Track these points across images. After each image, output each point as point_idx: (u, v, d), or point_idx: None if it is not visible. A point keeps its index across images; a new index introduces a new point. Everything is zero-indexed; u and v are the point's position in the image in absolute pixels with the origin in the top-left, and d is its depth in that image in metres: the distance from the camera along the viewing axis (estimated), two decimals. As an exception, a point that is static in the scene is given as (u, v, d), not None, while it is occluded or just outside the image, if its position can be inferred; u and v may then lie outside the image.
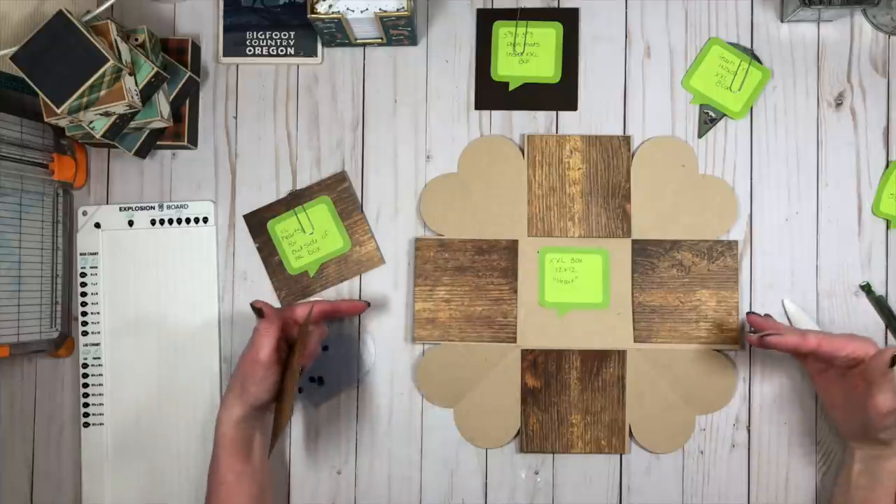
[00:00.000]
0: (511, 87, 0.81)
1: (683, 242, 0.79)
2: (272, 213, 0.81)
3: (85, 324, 0.81)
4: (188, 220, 0.82)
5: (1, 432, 0.82)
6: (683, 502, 0.79)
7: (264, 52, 0.82)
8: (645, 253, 0.79)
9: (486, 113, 0.82)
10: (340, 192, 0.81)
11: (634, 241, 0.79)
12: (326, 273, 0.81)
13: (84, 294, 0.81)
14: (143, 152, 0.78)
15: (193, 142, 0.82)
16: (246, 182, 0.82)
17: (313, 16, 0.73)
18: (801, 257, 0.80)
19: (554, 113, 0.81)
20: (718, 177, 0.80)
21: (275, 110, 0.82)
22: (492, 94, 0.81)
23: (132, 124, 0.74)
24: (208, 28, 0.83)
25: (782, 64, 0.81)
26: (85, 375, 0.81)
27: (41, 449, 0.82)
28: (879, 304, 0.79)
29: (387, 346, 0.81)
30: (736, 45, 0.81)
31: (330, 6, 0.73)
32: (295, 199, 0.81)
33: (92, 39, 0.67)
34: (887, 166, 0.80)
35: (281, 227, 0.81)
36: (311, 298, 0.81)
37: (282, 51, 0.82)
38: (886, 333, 0.79)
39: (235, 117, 0.83)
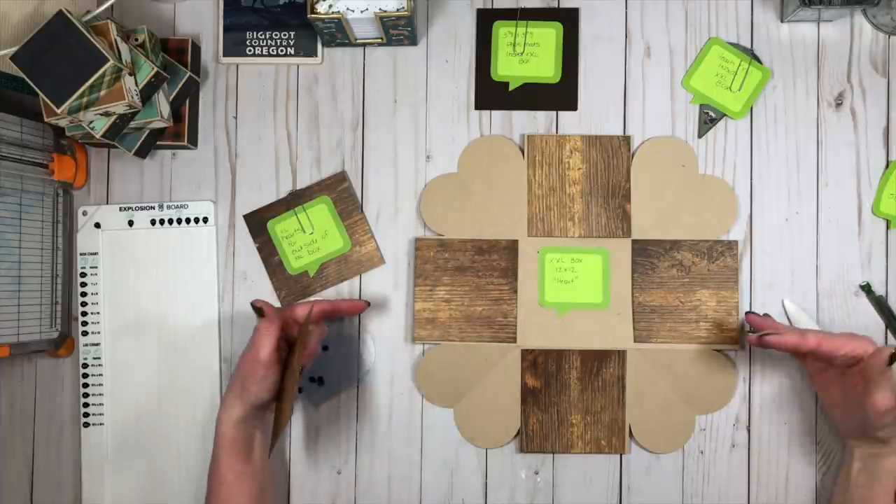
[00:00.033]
0: (511, 87, 0.81)
1: (683, 242, 0.79)
2: (272, 213, 0.81)
3: (85, 324, 0.81)
4: (188, 220, 0.82)
5: (1, 432, 0.82)
6: (683, 502, 0.79)
7: (264, 52, 0.82)
8: (645, 253, 0.79)
9: (486, 113, 0.82)
10: (340, 192, 0.81)
11: (634, 241, 0.79)
12: (326, 273, 0.81)
13: (84, 294, 0.81)
14: (143, 152, 0.78)
15: (193, 142, 0.82)
16: (246, 182, 0.82)
17: (313, 16, 0.73)
18: (801, 257, 0.80)
19: (554, 113, 0.81)
20: (718, 177, 0.80)
21: (275, 110, 0.82)
22: (492, 94, 0.81)
23: (132, 124, 0.74)
24: (208, 28, 0.83)
25: (782, 64, 0.81)
26: (85, 375, 0.81)
27: (41, 449, 0.82)
28: (879, 304, 0.79)
29: (387, 346, 0.81)
30: (736, 45, 0.81)
31: (330, 6, 0.73)
32: (295, 199, 0.81)
33: (92, 39, 0.67)
34: (887, 166, 0.80)
35: (281, 227, 0.81)
36: (311, 298, 0.81)
37: (282, 51, 0.82)
38: (886, 333, 0.79)
39: (235, 117, 0.83)
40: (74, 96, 0.66)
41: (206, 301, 0.81)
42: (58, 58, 0.66)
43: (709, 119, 0.81)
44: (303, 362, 0.73)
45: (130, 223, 0.82)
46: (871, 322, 0.79)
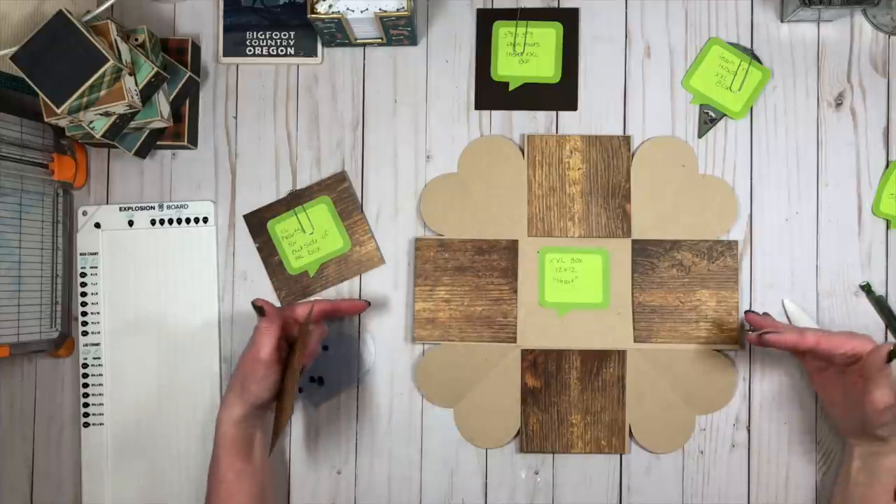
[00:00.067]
0: (511, 87, 0.81)
1: (683, 242, 0.79)
2: (272, 213, 0.81)
3: (85, 324, 0.81)
4: (188, 220, 0.82)
5: (1, 432, 0.82)
6: (683, 502, 0.79)
7: (264, 52, 0.82)
8: (645, 253, 0.79)
9: (486, 113, 0.82)
10: (340, 192, 0.81)
11: (634, 241, 0.79)
12: (326, 273, 0.81)
13: (84, 294, 0.81)
14: (143, 152, 0.78)
15: (193, 142, 0.82)
16: (246, 182, 0.82)
17: (313, 16, 0.73)
18: (801, 257, 0.80)
19: (554, 113, 0.81)
20: (718, 177, 0.80)
21: (275, 110, 0.82)
22: (492, 94, 0.81)
23: (132, 124, 0.74)
24: (208, 28, 0.83)
25: (782, 64, 0.81)
26: (85, 375, 0.81)
27: (41, 449, 0.82)
28: (879, 304, 0.79)
29: (387, 346, 0.81)
30: (736, 45, 0.81)
31: (330, 6, 0.73)
32: (295, 199, 0.81)
33: (92, 39, 0.67)
34: (887, 166, 0.80)
35: (281, 227, 0.81)
36: (312, 298, 0.81)
37: (282, 51, 0.82)
38: (886, 333, 0.79)
39: (235, 117, 0.83)
40: (74, 96, 0.66)
41: (206, 301, 0.81)
42: (58, 58, 0.66)
43: (709, 119, 0.81)
44: (303, 362, 0.73)
45: (130, 223, 0.82)
46: (871, 322, 0.79)
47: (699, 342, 0.79)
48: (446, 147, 0.82)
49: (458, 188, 0.81)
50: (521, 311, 0.79)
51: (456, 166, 0.81)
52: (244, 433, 0.71)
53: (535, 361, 0.79)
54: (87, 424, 0.81)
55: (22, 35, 0.69)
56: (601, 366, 0.79)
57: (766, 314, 0.77)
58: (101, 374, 0.81)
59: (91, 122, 0.72)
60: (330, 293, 0.81)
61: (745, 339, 0.78)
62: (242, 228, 0.82)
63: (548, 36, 0.81)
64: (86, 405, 0.81)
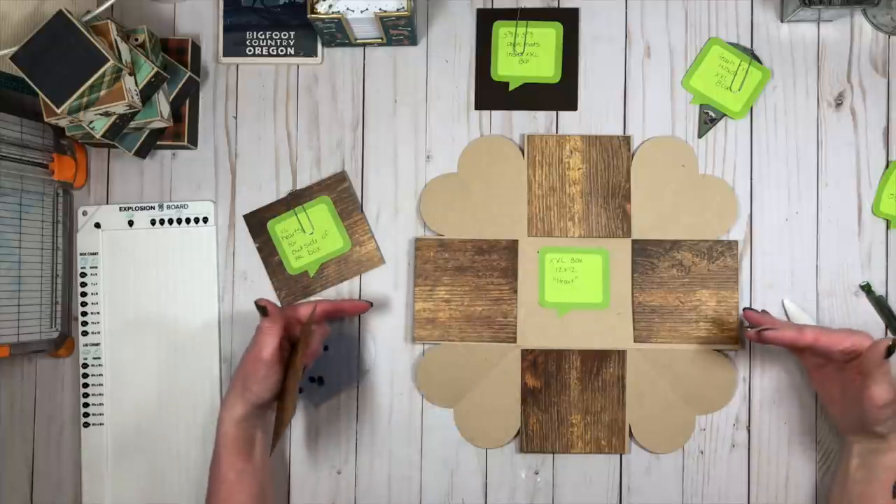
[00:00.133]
0: (511, 87, 0.81)
1: (683, 242, 0.79)
2: (272, 213, 0.81)
3: (85, 324, 0.81)
4: (188, 220, 0.82)
5: (1, 432, 0.82)
6: (683, 502, 0.79)
7: (264, 52, 0.82)
8: (645, 253, 0.79)
9: (486, 113, 0.82)
10: (340, 192, 0.81)
11: (634, 241, 0.79)
12: (326, 273, 0.81)
13: (84, 294, 0.81)
14: (143, 152, 0.78)
15: (193, 142, 0.82)
16: (246, 182, 0.82)
17: (313, 16, 0.73)
18: (801, 257, 0.80)
19: (554, 113, 0.81)
20: (718, 177, 0.80)
21: (275, 110, 0.82)
22: (492, 94, 0.81)
23: (132, 124, 0.74)
24: (208, 28, 0.83)
25: (782, 64, 0.81)
26: (85, 375, 0.81)
27: (41, 449, 0.82)
28: (879, 304, 0.79)
29: (387, 346, 0.81)
30: (736, 45, 0.81)
31: (330, 6, 0.73)
32: (295, 199, 0.81)
33: (92, 39, 0.67)
34: (887, 166, 0.80)
35: (281, 227, 0.81)
36: (312, 298, 0.81)
37: (282, 51, 0.82)
38: (886, 333, 0.79)
39: (235, 117, 0.83)
40: (74, 96, 0.66)
41: (206, 301, 0.81)
42: (58, 58, 0.66)
43: (709, 119, 0.81)
44: (305, 362, 0.73)
45: (130, 223, 0.82)
46: (871, 322, 0.79)
47: (699, 342, 0.79)
48: (446, 147, 0.82)
49: (458, 188, 0.81)
50: (521, 311, 0.79)
51: (456, 166, 0.81)
52: (245, 433, 0.71)
53: (535, 361, 0.79)
54: (87, 424, 0.81)
55: (22, 35, 0.69)
56: (601, 366, 0.79)
57: (764, 311, 0.77)
58: (101, 375, 0.81)
59: (91, 122, 0.72)
60: (330, 293, 0.81)
61: (743, 335, 0.78)
62: (242, 228, 0.82)
63: (548, 36, 0.81)
64: (86, 405, 0.81)
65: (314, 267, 0.81)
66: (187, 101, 0.80)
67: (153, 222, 0.82)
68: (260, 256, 0.81)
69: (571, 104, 0.81)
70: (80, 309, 0.81)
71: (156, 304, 0.81)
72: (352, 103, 0.82)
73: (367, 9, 0.73)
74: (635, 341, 0.79)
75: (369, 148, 0.82)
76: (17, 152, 0.75)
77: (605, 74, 0.81)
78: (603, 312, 0.79)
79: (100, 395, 0.81)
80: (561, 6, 0.82)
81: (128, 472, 0.81)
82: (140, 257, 0.82)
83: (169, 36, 0.81)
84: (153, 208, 0.82)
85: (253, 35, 0.82)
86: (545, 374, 0.79)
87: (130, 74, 0.70)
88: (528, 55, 0.81)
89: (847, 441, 0.73)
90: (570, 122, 0.81)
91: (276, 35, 0.82)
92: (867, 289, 0.79)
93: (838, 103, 0.80)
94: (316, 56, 0.82)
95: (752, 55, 0.81)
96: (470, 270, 0.80)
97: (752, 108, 0.81)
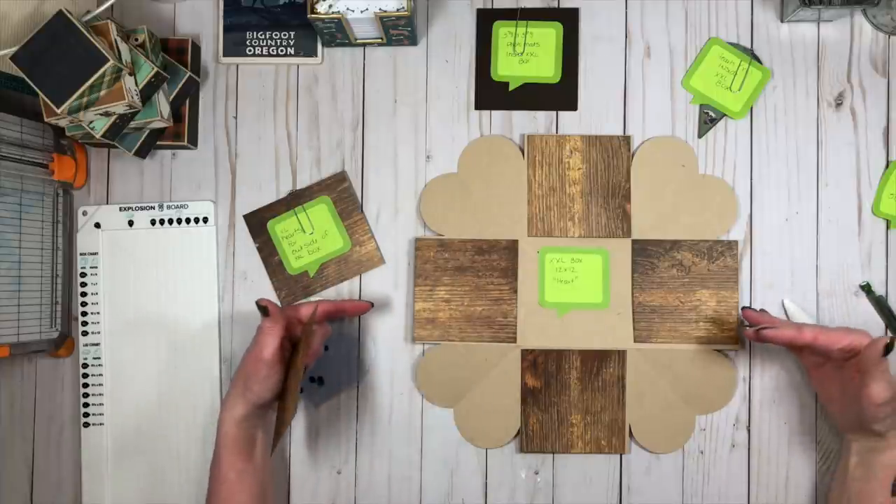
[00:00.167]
0: (511, 87, 0.81)
1: (683, 242, 0.79)
2: (272, 213, 0.81)
3: (85, 324, 0.81)
4: (188, 220, 0.82)
5: (1, 432, 0.82)
6: (683, 502, 0.79)
7: (264, 52, 0.82)
8: (645, 253, 0.79)
9: (486, 113, 0.82)
10: (340, 192, 0.81)
11: (634, 241, 0.79)
12: (326, 273, 0.81)
13: (84, 294, 0.81)
14: (143, 152, 0.78)
15: (193, 142, 0.82)
16: (246, 182, 0.82)
17: (313, 16, 0.73)
18: (801, 257, 0.80)
19: (554, 113, 0.81)
20: (718, 177, 0.80)
21: (275, 110, 0.82)
22: (492, 94, 0.81)
23: (132, 124, 0.74)
24: (208, 28, 0.83)
25: (782, 64, 0.81)
26: (85, 375, 0.81)
27: (41, 449, 0.82)
28: (879, 304, 0.79)
29: (387, 346, 0.81)
30: (736, 45, 0.81)
31: (330, 6, 0.73)
32: (295, 199, 0.81)
33: (92, 39, 0.67)
34: (887, 166, 0.80)
35: (281, 227, 0.81)
36: (312, 298, 0.81)
37: (282, 51, 0.82)
38: (886, 333, 0.79)
39: (235, 117, 0.83)
40: (74, 96, 0.66)
41: (206, 301, 0.81)
42: (58, 58, 0.66)
43: (709, 119, 0.81)
44: (306, 362, 0.73)
45: (130, 223, 0.82)
46: (871, 322, 0.79)
47: (699, 342, 0.79)
48: (446, 147, 0.82)
49: (458, 188, 0.81)
50: (521, 311, 0.79)
51: (456, 166, 0.81)
52: (246, 433, 0.71)
53: (535, 361, 0.79)
54: (87, 424, 0.81)
55: (22, 35, 0.69)
56: (601, 366, 0.79)
57: (763, 310, 0.77)
58: (101, 375, 0.81)
59: (91, 122, 0.72)
60: (330, 293, 0.81)
61: (742, 334, 0.78)
62: (242, 228, 0.82)
63: (548, 36, 0.81)
64: (86, 405, 0.81)
65: (314, 267, 0.81)
66: (187, 101, 0.80)
67: (153, 222, 0.82)
68: (260, 256, 0.81)
69: (571, 104, 0.81)
70: (80, 309, 0.81)
71: (156, 304, 0.81)
72: (352, 103, 0.82)
73: (367, 9, 0.73)
74: (635, 341, 0.79)
75: (369, 148, 0.82)
76: (17, 152, 0.75)
77: (605, 74, 0.81)
78: (603, 312, 0.79)
79: (100, 395, 0.81)
80: (561, 6, 0.82)
81: (128, 472, 0.81)
82: (140, 257, 0.82)
83: (169, 36, 0.81)
84: (153, 208, 0.82)
85: (253, 35, 0.82)
86: (545, 374, 0.79)
87: (130, 74, 0.70)
88: (528, 55, 0.81)
89: (846, 439, 0.73)
90: (570, 122, 0.81)
91: (276, 35, 0.82)
92: (867, 289, 0.79)
93: (838, 103, 0.80)
94: (316, 56, 0.82)
95: (752, 55, 0.81)
96: (470, 270, 0.80)
97: (752, 108, 0.81)
